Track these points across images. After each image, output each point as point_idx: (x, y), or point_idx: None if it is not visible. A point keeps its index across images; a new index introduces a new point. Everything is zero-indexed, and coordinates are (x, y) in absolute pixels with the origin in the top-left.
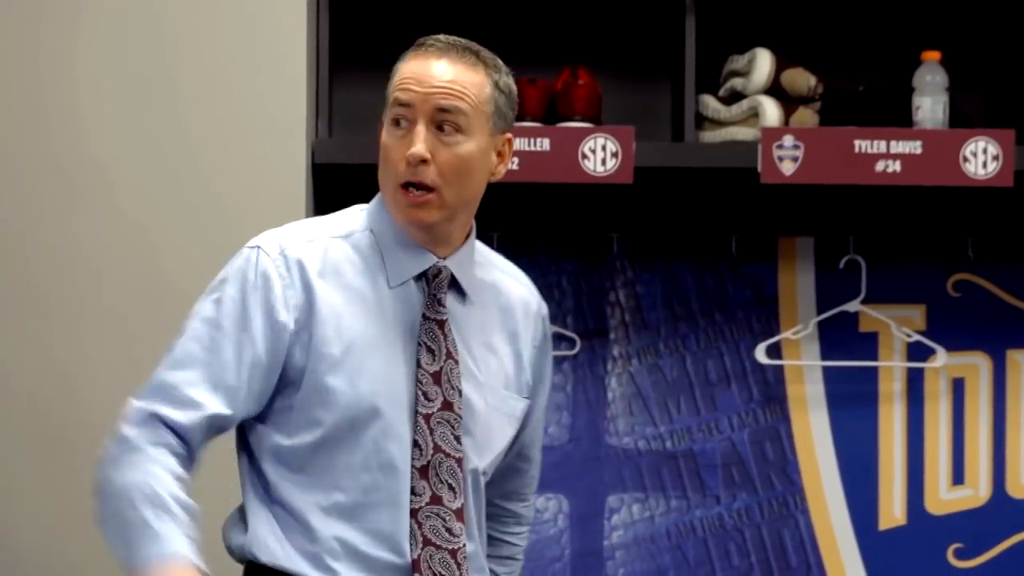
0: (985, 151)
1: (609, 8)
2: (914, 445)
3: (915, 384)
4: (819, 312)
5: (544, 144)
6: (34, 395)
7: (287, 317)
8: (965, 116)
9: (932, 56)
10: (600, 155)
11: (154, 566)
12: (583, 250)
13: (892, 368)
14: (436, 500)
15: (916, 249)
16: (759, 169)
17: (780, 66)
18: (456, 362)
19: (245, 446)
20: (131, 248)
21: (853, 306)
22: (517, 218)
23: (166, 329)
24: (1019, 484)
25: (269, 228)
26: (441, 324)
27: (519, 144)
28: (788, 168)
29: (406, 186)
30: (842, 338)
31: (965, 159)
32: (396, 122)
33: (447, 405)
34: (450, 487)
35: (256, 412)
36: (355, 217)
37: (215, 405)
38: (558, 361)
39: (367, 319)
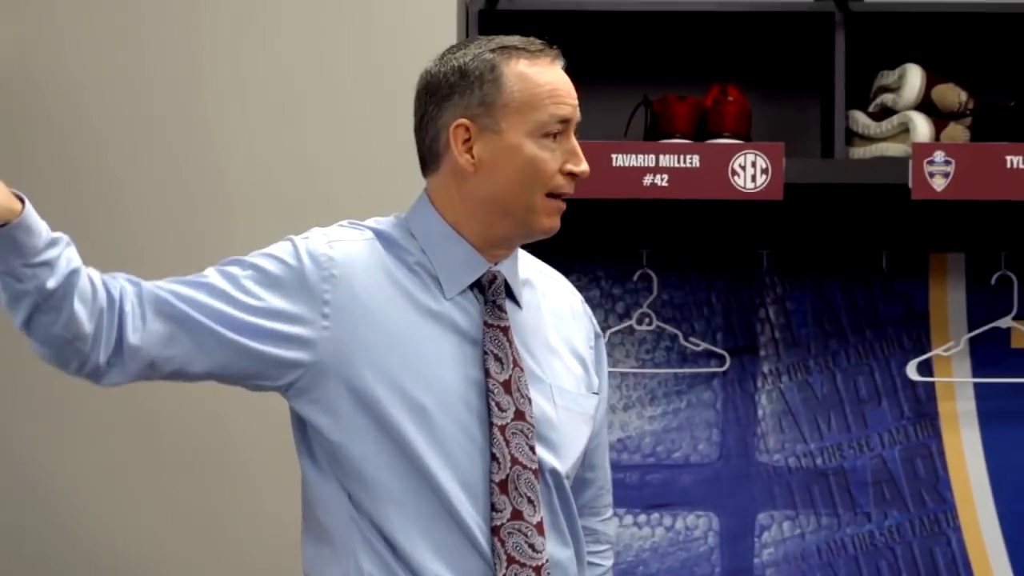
0: None
1: (759, 24)
2: None
3: None
4: (970, 328)
5: (694, 161)
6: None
7: (311, 313)
8: None
9: None
10: (750, 171)
11: None
12: (732, 266)
13: None
14: (517, 515)
15: None
16: (910, 185)
17: (931, 81)
18: (522, 369)
19: (319, 470)
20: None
21: (1005, 322)
22: (667, 235)
23: None
24: None
25: None
26: (505, 331)
27: (669, 161)
28: (939, 184)
29: (552, 195)
30: (994, 355)
31: None
32: (551, 135)
33: (519, 415)
34: (529, 500)
35: (145, 369)
36: (395, 225)
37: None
38: (708, 378)
39: (426, 328)
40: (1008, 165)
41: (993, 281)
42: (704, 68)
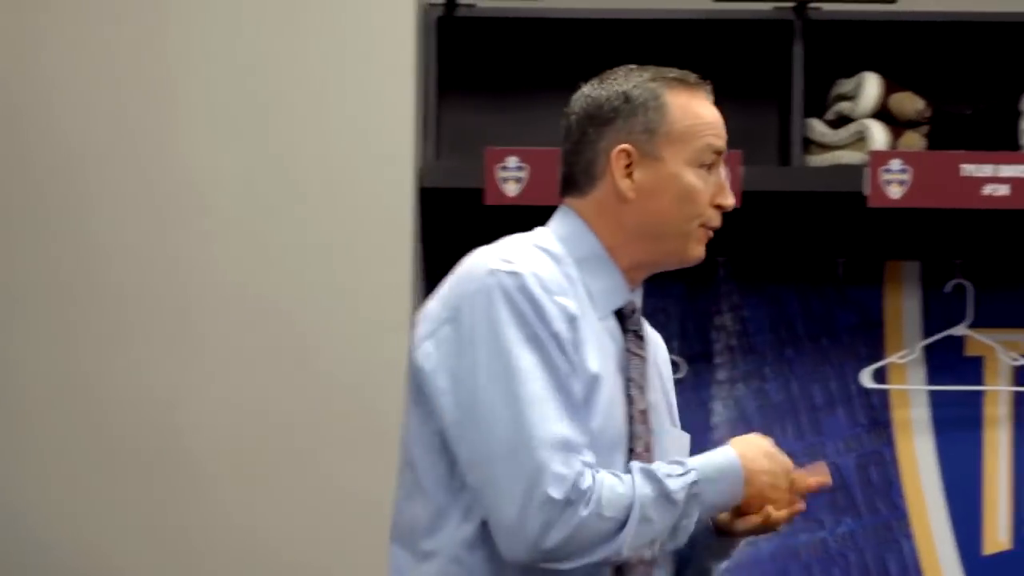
0: None
1: (717, 32)
2: (1019, 469)
3: (1021, 408)
4: (925, 336)
5: None
6: (128, 416)
7: (566, 331)
8: None
9: None
10: None
11: (722, 462)
12: (689, 274)
13: (998, 392)
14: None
15: (1023, 273)
16: (866, 193)
17: (888, 90)
18: (650, 403)
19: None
20: (238, 271)
21: (959, 330)
22: None
23: (268, 352)
24: None
25: (374, 253)
26: (644, 361)
27: None
28: (895, 192)
29: (704, 225)
30: (948, 362)
31: None
32: (706, 167)
33: (647, 447)
34: None
35: None
36: (552, 242)
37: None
38: None
39: (593, 349)
40: (963, 173)
41: (948, 289)
42: None
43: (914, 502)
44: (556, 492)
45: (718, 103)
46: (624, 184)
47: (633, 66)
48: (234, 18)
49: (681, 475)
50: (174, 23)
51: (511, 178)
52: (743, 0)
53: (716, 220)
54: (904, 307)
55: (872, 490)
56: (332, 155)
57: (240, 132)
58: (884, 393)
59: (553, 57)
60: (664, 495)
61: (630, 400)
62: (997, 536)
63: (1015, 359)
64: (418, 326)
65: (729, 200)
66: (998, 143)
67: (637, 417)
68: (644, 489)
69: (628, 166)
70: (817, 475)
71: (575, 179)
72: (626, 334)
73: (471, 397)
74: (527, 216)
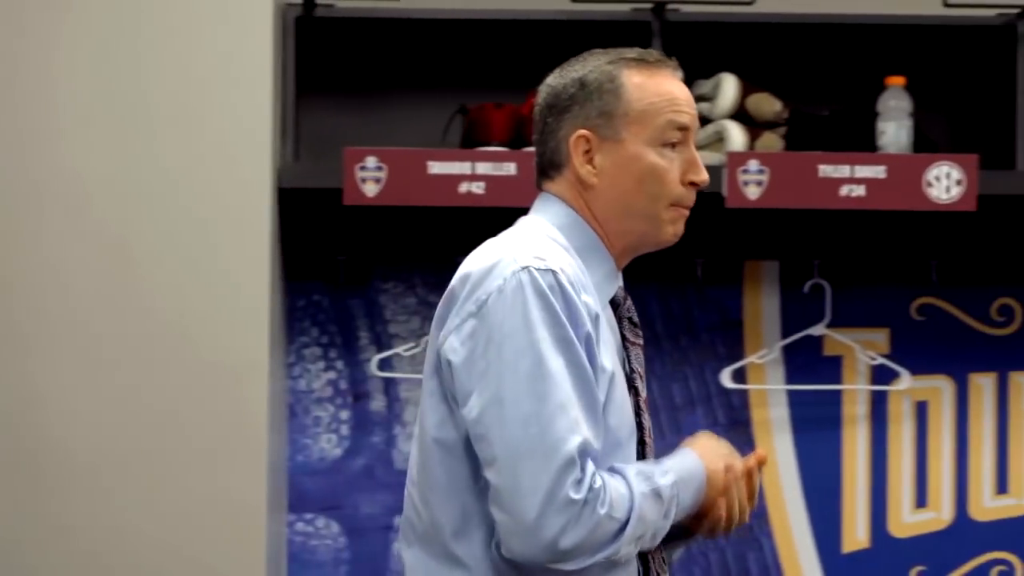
0: (948, 175)
1: (577, 32)
2: (878, 468)
3: (879, 407)
4: (784, 336)
5: (511, 169)
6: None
7: (593, 331)
8: (929, 141)
9: (896, 81)
10: None
11: (690, 465)
12: None
13: (856, 391)
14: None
15: (880, 273)
16: (724, 194)
17: (745, 91)
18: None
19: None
20: (99, 270)
21: (818, 330)
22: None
23: (129, 351)
24: (981, 507)
25: (234, 252)
26: (643, 349)
27: (485, 169)
28: (753, 192)
29: (675, 205)
30: (807, 362)
31: (929, 184)
32: (671, 144)
33: (651, 435)
34: None
35: None
36: (557, 233)
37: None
38: None
39: (606, 345)
40: (821, 174)
41: (806, 289)
42: (522, 76)
43: (774, 501)
44: (576, 494)
45: None
46: (584, 170)
47: (597, 50)
48: (92, 18)
49: (664, 475)
50: (30, 23)
51: (370, 178)
52: (602, 1)
53: (689, 198)
54: (763, 307)
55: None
56: (190, 155)
57: (99, 132)
58: (744, 393)
59: (412, 58)
60: (656, 495)
61: (635, 391)
62: (856, 534)
63: (873, 358)
64: (439, 324)
65: (701, 176)
66: (855, 144)
67: (643, 408)
68: (641, 487)
69: (588, 152)
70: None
71: (544, 170)
72: (621, 323)
73: (497, 395)
74: (385, 216)
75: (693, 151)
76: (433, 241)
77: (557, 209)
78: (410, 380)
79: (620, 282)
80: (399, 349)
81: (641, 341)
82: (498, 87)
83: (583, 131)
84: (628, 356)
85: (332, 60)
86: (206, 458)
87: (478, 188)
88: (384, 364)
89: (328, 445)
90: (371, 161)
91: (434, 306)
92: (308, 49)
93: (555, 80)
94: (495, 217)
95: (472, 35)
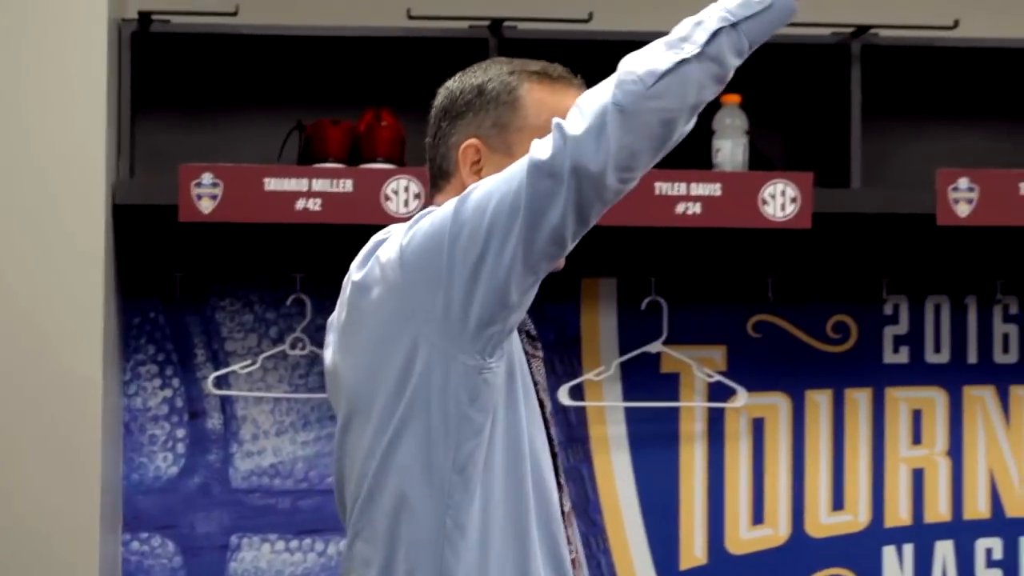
0: (784, 193)
1: (413, 50)
2: (715, 485)
3: (716, 424)
4: (622, 353)
5: (347, 185)
6: None
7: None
8: (765, 159)
9: (732, 99)
10: (403, 196)
11: None
12: None
13: (693, 408)
14: (578, 552)
15: (717, 290)
16: None
17: None
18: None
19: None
20: None
21: (655, 347)
22: (323, 259)
23: None
24: (817, 523)
25: (69, 268)
26: (545, 362)
27: (322, 186)
28: None
29: None
30: (644, 379)
31: (764, 201)
32: None
33: (557, 447)
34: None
35: None
36: None
37: None
38: None
39: (515, 351)
40: (657, 192)
41: (644, 306)
42: (359, 92)
43: (611, 518)
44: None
45: (411, 121)
46: (471, 181)
47: (501, 58)
48: None
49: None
50: None
51: (206, 195)
52: (438, 18)
53: None
54: (601, 324)
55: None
56: (24, 171)
57: None
58: (581, 410)
59: (250, 74)
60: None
61: (541, 404)
62: (693, 551)
63: (709, 375)
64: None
65: None
66: (691, 162)
67: (550, 420)
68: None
69: (477, 162)
70: None
71: (434, 178)
72: (520, 335)
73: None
74: (222, 233)
75: None
76: (270, 258)
77: None
78: (246, 398)
79: None
80: (236, 367)
81: (540, 353)
82: (335, 104)
83: (474, 140)
84: (530, 368)
85: (168, 76)
86: (39, 476)
87: (314, 205)
88: (221, 382)
89: (164, 463)
90: (207, 178)
91: (271, 322)
92: (144, 64)
93: (454, 84)
94: (332, 234)
95: (309, 52)
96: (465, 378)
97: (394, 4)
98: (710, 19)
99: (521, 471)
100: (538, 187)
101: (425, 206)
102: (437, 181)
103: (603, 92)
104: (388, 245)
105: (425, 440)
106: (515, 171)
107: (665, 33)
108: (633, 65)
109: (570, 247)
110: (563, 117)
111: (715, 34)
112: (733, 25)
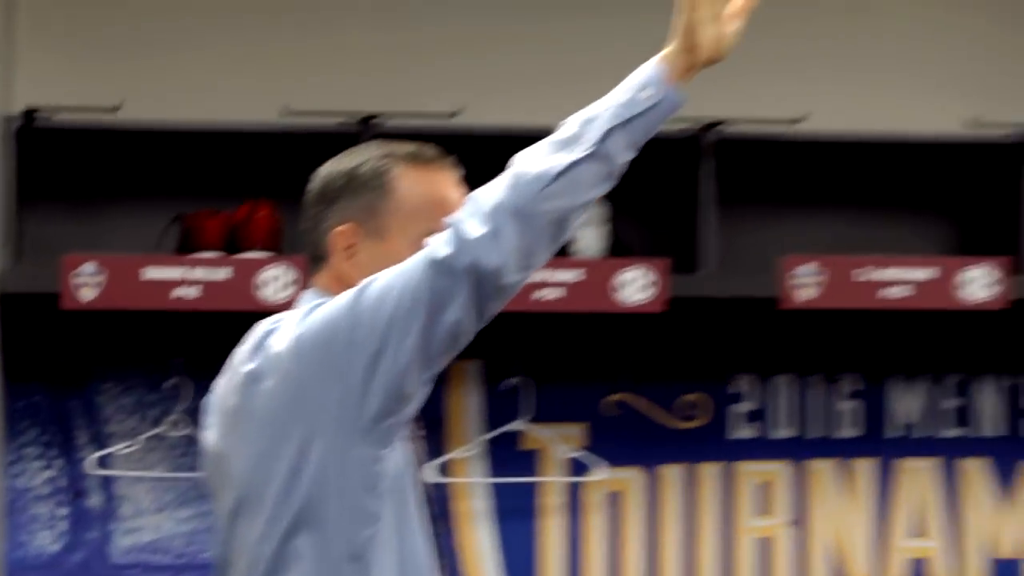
0: (640, 279)
1: (288, 143)
2: (573, 556)
3: (575, 498)
4: (486, 431)
5: (224, 274)
6: None
7: None
8: (624, 245)
9: None
10: (278, 284)
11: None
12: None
13: (553, 483)
14: None
15: (578, 370)
16: None
17: None
18: None
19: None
20: None
21: (518, 425)
22: (200, 344)
23: None
24: None
25: None
26: (424, 439)
27: (199, 274)
28: None
29: None
30: (507, 456)
31: (621, 286)
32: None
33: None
34: None
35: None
36: None
37: None
38: None
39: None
40: None
41: (507, 387)
42: (236, 185)
43: None
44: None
45: (288, 211)
46: (345, 266)
47: (375, 142)
48: None
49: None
50: None
51: (87, 283)
52: (310, 114)
53: None
54: (466, 404)
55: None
56: None
57: None
58: (449, 486)
59: (131, 167)
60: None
61: (421, 483)
62: None
63: (569, 451)
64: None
65: None
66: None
67: (431, 495)
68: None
69: (351, 247)
70: None
71: (312, 261)
72: None
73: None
74: (104, 320)
75: None
76: (150, 343)
77: (311, 298)
78: (127, 477)
79: None
80: (116, 447)
81: (423, 433)
82: (215, 195)
83: (347, 225)
84: (415, 448)
85: (53, 169)
86: None
87: (192, 292)
88: (102, 462)
89: (46, 541)
90: (88, 267)
91: (151, 404)
92: (30, 158)
93: (328, 170)
94: (209, 320)
95: (189, 145)
96: (361, 468)
97: (270, 100)
98: (600, 118)
99: (408, 550)
100: (436, 285)
101: (304, 288)
102: (314, 265)
103: (498, 192)
104: (280, 335)
105: (322, 530)
106: (413, 267)
107: (533, 129)
108: (527, 165)
109: (467, 341)
110: (436, 199)
111: (606, 134)
112: (623, 124)
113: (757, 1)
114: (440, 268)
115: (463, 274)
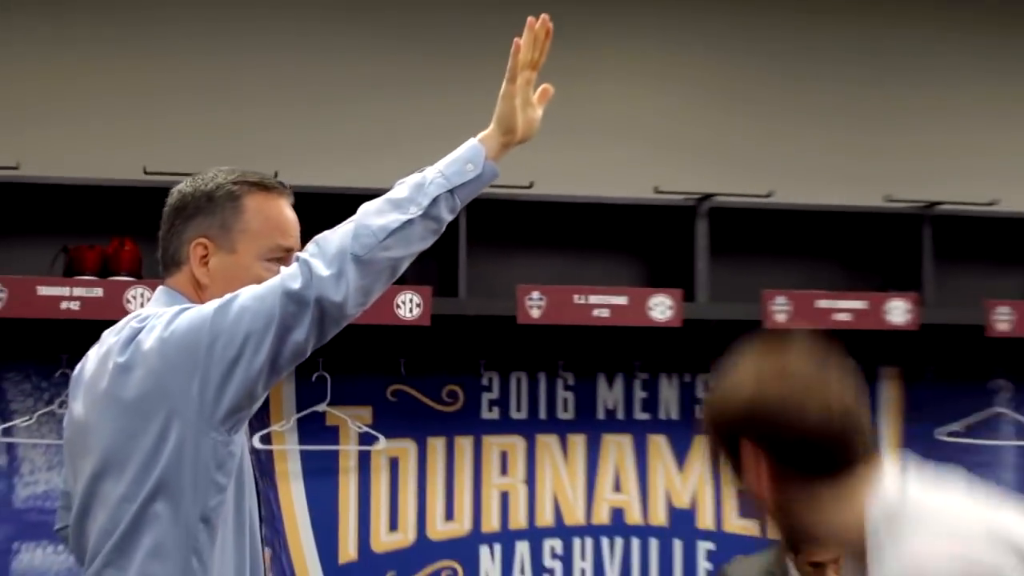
0: (412, 300)
1: (147, 196)
2: (363, 505)
3: (364, 462)
4: (298, 411)
5: (99, 292)
6: None
7: None
8: (400, 276)
9: None
10: (140, 300)
11: (475, 147)
12: None
13: (348, 451)
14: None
15: (366, 366)
16: None
17: None
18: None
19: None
20: None
21: (322, 407)
22: (81, 344)
23: None
24: (435, 530)
25: None
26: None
27: (80, 292)
28: None
29: None
30: (314, 429)
31: (398, 306)
32: (275, 260)
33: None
34: None
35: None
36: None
37: None
38: None
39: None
40: None
41: (314, 378)
42: (108, 226)
43: (290, 529)
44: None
45: (146, 245)
46: (200, 272)
47: (225, 168)
48: None
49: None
50: None
51: None
52: (169, 174)
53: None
54: (283, 390)
55: (263, 523)
56: None
57: None
58: (270, 452)
59: (29, 211)
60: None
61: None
62: (348, 550)
63: (360, 427)
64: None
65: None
66: None
67: (265, 521)
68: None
69: (204, 257)
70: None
71: (167, 263)
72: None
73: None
74: (7, 326)
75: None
76: (43, 343)
77: (170, 298)
78: (25, 444)
79: None
80: (18, 421)
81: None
82: (91, 233)
83: (203, 239)
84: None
85: None
86: None
87: (75, 305)
88: (7, 432)
89: None
90: None
91: (44, 389)
92: None
93: (186, 188)
94: (88, 327)
95: (74, 196)
96: (213, 450)
97: (135, 162)
98: (431, 184)
99: (243, 517)
100: (287, 310)
101: (160, 284)
102: (169, 267)
103: (344, 239)
104: (149, 334)
105: (178, 496)
106: (269, 292)
107: (367, 190)
108: (368, 219)
109: (306, 357)
110: (277, 222)
111: (436, 200)
112: (450, 192)
113: (552, 91)
114: (292, 297)
115: (311, 304)
